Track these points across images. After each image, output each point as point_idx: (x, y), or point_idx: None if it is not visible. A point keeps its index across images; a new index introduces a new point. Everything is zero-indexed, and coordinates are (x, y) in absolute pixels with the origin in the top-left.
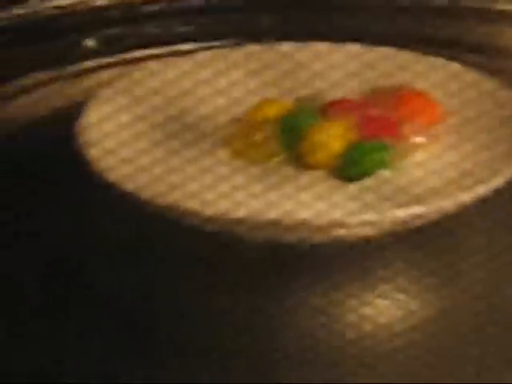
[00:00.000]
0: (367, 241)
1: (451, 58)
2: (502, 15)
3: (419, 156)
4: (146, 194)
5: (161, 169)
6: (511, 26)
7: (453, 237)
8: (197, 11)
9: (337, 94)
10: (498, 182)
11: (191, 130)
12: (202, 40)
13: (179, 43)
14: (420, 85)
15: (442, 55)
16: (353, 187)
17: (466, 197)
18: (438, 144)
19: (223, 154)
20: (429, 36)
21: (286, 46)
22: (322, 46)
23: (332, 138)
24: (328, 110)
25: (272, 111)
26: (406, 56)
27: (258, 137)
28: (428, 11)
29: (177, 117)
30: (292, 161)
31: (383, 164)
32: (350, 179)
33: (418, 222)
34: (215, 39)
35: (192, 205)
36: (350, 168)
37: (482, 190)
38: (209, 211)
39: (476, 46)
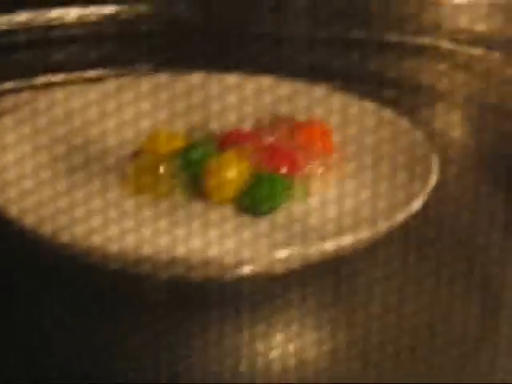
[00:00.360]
0: (276, 279)
1: (368, 93)
2: (422, 50)
3: (332, 192)
4: (46, 230)
5: (62, 203)
6: (429, 61)
7: (365, 275)
8: (106, 37)
9: (245, 127)
10: (406, 217)
11: (95, 162)
12: (110, 66)
13: (87, 69)
14: (332, 121)
15: (358, 90)
16: (262, 224)
17: (377, 233)
18: (352, 181)
19: (128, 188)
20: (345, 70)
21: (197, 77)
22: (232, 78)
23: (233, 171)
24: (225, 142)
25: (168, 143)
26: (318, 91)
27: (157, 172)
28: (345, 44)
29: (81, 148)
30: (198, 196)
31: (289, 198)
32: (256, 214)
33: (329, 259)
34: (124, 66)
35: (95, 241)
36: (255, 203)
37: (393, 226)
38: (112, 248)
39: (393, 81)
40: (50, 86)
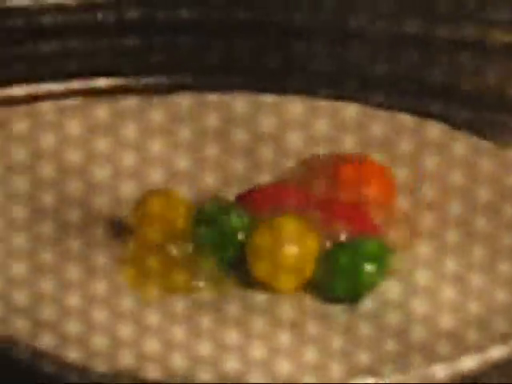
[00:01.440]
0: None
1: (428, 111)
2: (507, 48)
3: (407, 274)
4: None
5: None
6: None
7: None
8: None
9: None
10: None
11: (79, 230)
12: (121, 75)
13: (88, 77)
14: (378, 155)
15: (411, 106)
16: (313, 339)
17: (496, 353)
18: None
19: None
20: (392, 77)
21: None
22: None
23: (297, 245)
24: (251, 204)
25: (163, 208)
26: (351, 110)
27: (164, 258)
28: (392, 40)
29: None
30: (240, 287)
31: (381, 277)
32: (337, 302)
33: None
34: (137, 74)
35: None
36: (329, 288)
37: None
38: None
39: (466, 93)
40: (33, 99)
